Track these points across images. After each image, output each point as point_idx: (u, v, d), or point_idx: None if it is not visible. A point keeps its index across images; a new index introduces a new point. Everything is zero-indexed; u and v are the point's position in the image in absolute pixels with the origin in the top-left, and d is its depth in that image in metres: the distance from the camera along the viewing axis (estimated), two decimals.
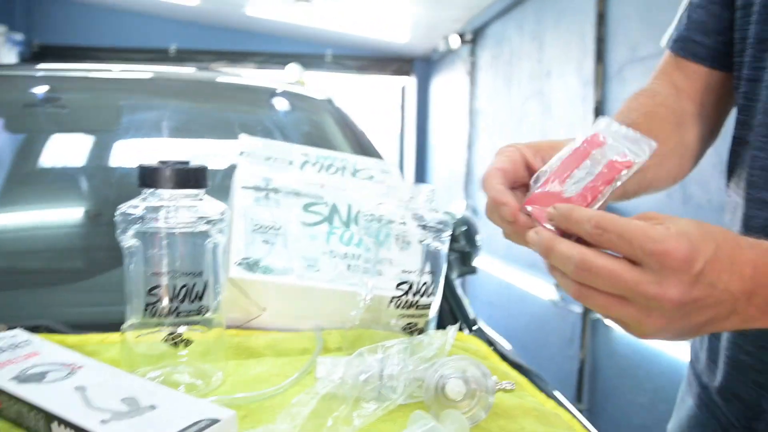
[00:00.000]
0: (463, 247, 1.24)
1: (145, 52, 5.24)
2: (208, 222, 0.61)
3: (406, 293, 0.65)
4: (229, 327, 0.76)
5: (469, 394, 0.56)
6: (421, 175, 5.76)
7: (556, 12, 3.09)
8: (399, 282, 0.65)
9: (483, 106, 4.21)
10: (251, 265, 0.74)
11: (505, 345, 0.95)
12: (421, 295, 0.66)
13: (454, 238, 1.51)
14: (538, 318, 3.12)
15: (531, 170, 0.55)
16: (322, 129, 1.48)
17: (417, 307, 0.66)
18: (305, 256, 0.77)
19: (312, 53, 5.69)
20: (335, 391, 0.57)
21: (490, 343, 0.88)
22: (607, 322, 2.52)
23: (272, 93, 1.59)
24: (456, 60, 4.77)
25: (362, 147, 1.33)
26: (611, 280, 0.44)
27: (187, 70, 1.63)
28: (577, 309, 2.71)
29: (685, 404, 0.79)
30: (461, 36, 4.42)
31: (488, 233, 3.75)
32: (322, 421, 0.53)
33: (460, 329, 0.90)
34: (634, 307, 0.44)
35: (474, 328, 0.94)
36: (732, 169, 0.71)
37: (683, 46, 0.74)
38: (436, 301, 0.68)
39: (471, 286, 4.21)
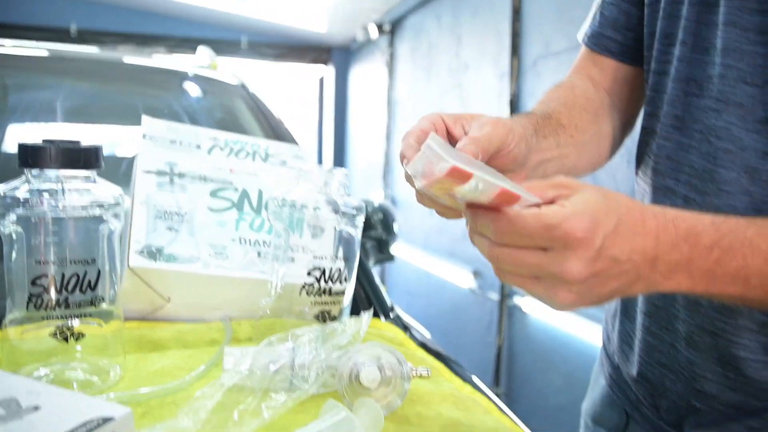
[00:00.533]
0: (380, 235, 1.23)
1: (42, 30, 4.89)
2: (101, 206, 0.56)
3: (318, 280, 0.63)
4: (131, 319, 0.71)
5: (384, 382, 0.55)
6: (339, 164, 5.71)
7: (473, 6, 3.13)
8: (310, 269, 0.63)
9: (402, 96, 4.22)
10: (153, 253, 0.69)
11: (423, 332, 0.94)
12: (334, 282, 0.63)
13: (371, 226, 1.50)
14: (457, 306, 3.17)
15: (451, 138, 0.56)
16: (235, 114, 1.42)
17: (330, 294, 0.64)
18: (213, 243, 0.73)
19: (226, 39, 5.51)
20: (243, 383, 0.54)
21: (407, 329, 0.87)
22: (524, 303, 2.59)
23: (183, 76, 1.52)
24: (375, 50, 4.76)
25: (276, 133, 1.29)
26: (518, 264, 0.45)
27: (89, 49, 1.53)
28: (495, 296, 2.77)
29: (598, 384, 0.81)
30: (380, 27, 4.41)
31: (407, 222, 3.75)
32: (227, 415, 0.50)
33: (377, 316, 0.89)
34: (543, 285, 0.46)
35: (391, 315, 0.93)
36: (640, 158, 0.74)
37: (597, 42, 0.77)
38: (350, 288, 0.66)
39: (390, 275, 4.23)
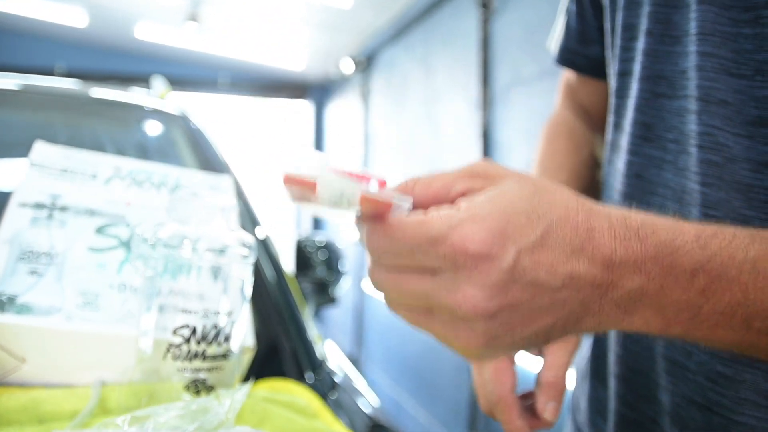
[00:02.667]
0: (321, 276, 1.10)
1: (29, 71, 4.85)
2: None
3: (188, 340, 0.50)
4: None
5: None
6: None
7: (443, 36, 3.07)
8: (177, 326, 0.50)
9: (376, 130, 4.15)
10: (2, 303, 0.57)
11: (368, 395, 0.81)
12: (210, 342, 0.51)
13: (310, 266, 1.38)
14: (432, 346, 3.03)
15: None
16: (172, 144, 1.31)
17: (204, 359, 0.51)
18: (84, 290, 0.61)
19: (205, 77, 5.51)
20: None
21: (333, 391, 0.74)
22: None
23: (118, 105, 1.41)
24: (350, 85, 4.71)
25: (210, 164, 1.18)
26: (402, 293, 0.33)
27: (16, 76, 1.42)
28: None
29: None
30: (355, 62, 4.36)
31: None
32: None
33: (300, 375, 0.76)
34: (439, 321, 0.33)
35: (319, 373, 0.80)
36: (608, 179, 0.61)
37: (566, 58, 0.68)
38: (236, 348, 0.54)
39: (365, 317, 4.08)
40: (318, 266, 1.13)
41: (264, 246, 0.94)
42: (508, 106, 2.44)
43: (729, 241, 0.34)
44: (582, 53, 0.65)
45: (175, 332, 0.50)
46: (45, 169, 0.75)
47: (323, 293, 1.10)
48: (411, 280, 0.32)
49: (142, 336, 0.51)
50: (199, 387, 0.51)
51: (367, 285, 4.06)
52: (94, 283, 0.62)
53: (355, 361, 3.94)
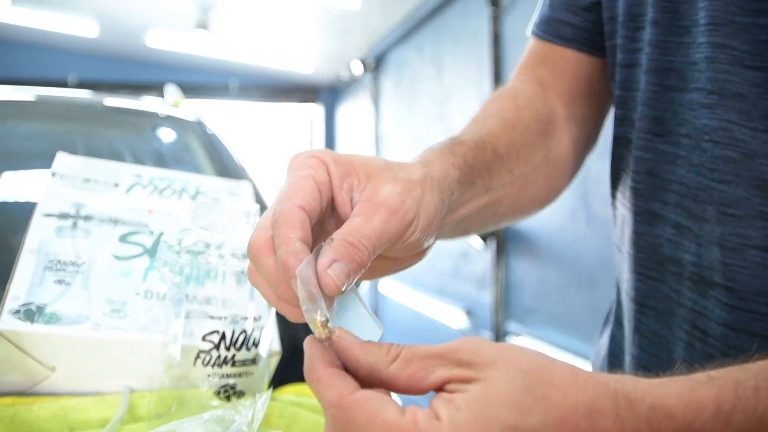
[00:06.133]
0: None
1: (43, 83, 4.93)
2: None
3: (217, 346, 0.50)
4: (7, 394, 0.58)
5: None
6: None
7: (453, 35, 3.07)
8: (206, 333, 0.50)
9: (388, 131, 4.14)
10: (31, 314, 0.57)
11: None
12: (239, 348, 0.51)
13: None
14: None
15: (335, 207, 0.39)
16: (189, 150, 1.32)
17: (234, 364, 0.51)
18: (111, 298, 0.61)
19: (215, 83, 5.54)
20: None
21: None
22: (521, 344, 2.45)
23: (133, 114, 1.42)
24: (360, 87, 4.71)
25: (228, 169, 1.18)
26: None
27: (31, 89, 1.43)
28: (488, 336, 2.63)
29: None
30: (364, 64, 4.36)
31: None
32: None
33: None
34: None
35: None
36: (615, 176, 0.59)
37: (547, 29, 0.62)
38: (265, 352, 0.54)
39: (382, 319, 4.08)
40: None
41: None
42: None
43: (753, 409, 0.29)
44: (569, 22, 0.61)
45: (204, 338, 0.50)
46: (68, 179, 0.76)
47: None
48: None
49: (170, 343, 0.51)
50: (229, 392, 0.51)
51: (384, 287, 4.06)
52: (120, 291, 0.62)
53: None
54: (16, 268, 0.61)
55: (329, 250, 0.34)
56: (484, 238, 2.48)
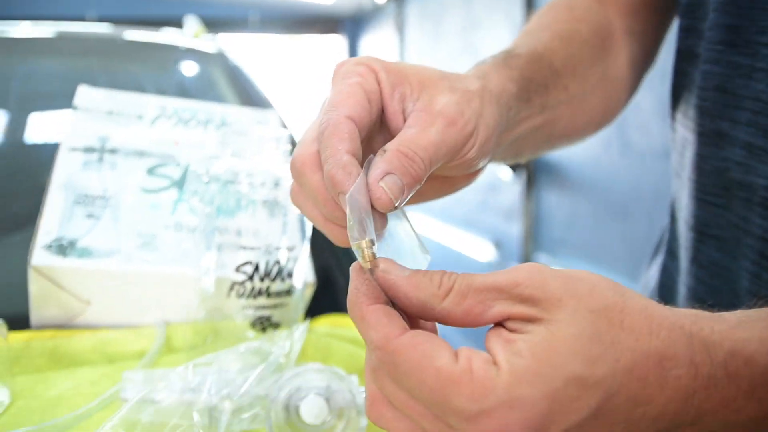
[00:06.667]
0: None
1: (60, 20, 4.88)
2: None
3: (251, 278, 0.49)
4: (47, 327, 0.59)
5: (336, 414, 0.41)
6: None
7: None
8: (239, 263, 0.49)
9: (413, 62, 4.05)
10: (63, 248, 0.57)
11: None
12: (273, 279, 0.50)
13: None
14: None
15: (385, 117, 0.36)
16: (212, 83, 1.29)
17: (268, 296, 0.50)
18: (140, 231, 0.60)
19: (235, 16, 5.43)
20: (149, 419, 0.41)
21: None
22: None
23: (156, 47, 1.39)
24: (384, 17, 4.57)
25: (252, 99, 1.16)
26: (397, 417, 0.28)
27: (54, 24, 1.40)
28: None
29: None
30: None
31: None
32: None
33: None
34: None
35: None
36: (677, 93, 0.55)
37: None
38: (300, 283, 0.53)
39: None
40: None
41: None
42: None
43: None
44: None
45: (237, 269, 0.49)
46: (91, 112, 0.74)
47: None
48: (413, 408, 0.26)
49: (203, 275, 0.50)
50: (264, 324, 0.50)
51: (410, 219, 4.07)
52: (149, 224, 0.61)
53: None
54: (45, 203, 0.60)
55: (382, 162, 0.31)
56: (513, 168, 2.44)
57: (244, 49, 5.65)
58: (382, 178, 0.30)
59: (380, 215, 0.31)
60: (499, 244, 2.79)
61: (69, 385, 0.49)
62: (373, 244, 0.29)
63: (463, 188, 0.41)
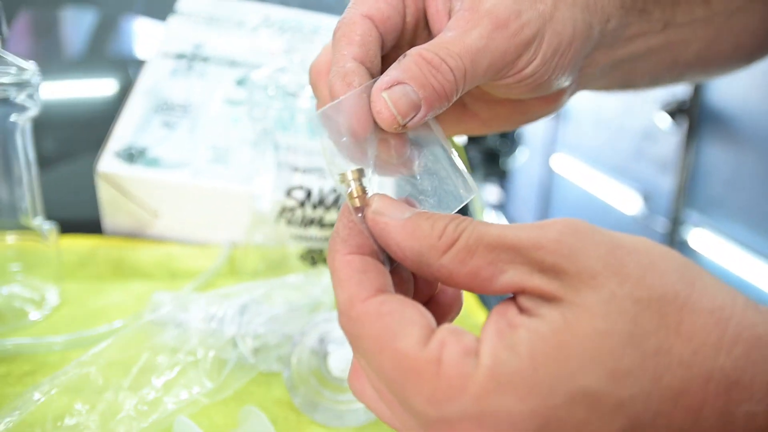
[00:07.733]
0: (492, 144, 0.98)
1: None
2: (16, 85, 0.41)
3: (302, 204, 0.43)
4: (119, 235, 0.58)
5: None
6: None
7: None
8: (289, 187, 0.43)
9: None
10: (132, 156, 0.54)
11: None
12: (328, 208, 0.43)
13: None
14: None
15: (429, 20, 0.28)
16: None
17: (321, 226, 0.44)
18: (216, 145, 0.56)
19: None
20: (170, 342, 0.38)
21: None
22: (697, 238, 2.19)
23: None
24: None
25: None
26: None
27: None
28: (660, 229, 2.39)
29: None
30: None
31: (574, 133, 3.38)
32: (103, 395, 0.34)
33: None
34: None
35: None
36: None
37: None
38: None
39: (553, 196, 3.89)
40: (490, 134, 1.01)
41: None
42: None
43: None
44: None
45: (289, 194, 0.43)
46: (191, 17, 0.71)
47: (493, 164, 0.98)
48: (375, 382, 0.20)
49: (257, 197, 0.45)
50: (315, 258, 0.44)
51: (557, 162, 3.83)
52: (226, 138, 0.57)
53: None
54: (124, 109, 0.58)
55: (394, 68, 0.23)
56: (673, 115, 2.17)
57: None
58: (387, 88, 0.22)
59: (398, 139, 0.23)
60: (648, 197, 2.54)
61: (117, 299, 0.47)
62: (363, 176, 0.21)
63: (540, 117, 0.31)
